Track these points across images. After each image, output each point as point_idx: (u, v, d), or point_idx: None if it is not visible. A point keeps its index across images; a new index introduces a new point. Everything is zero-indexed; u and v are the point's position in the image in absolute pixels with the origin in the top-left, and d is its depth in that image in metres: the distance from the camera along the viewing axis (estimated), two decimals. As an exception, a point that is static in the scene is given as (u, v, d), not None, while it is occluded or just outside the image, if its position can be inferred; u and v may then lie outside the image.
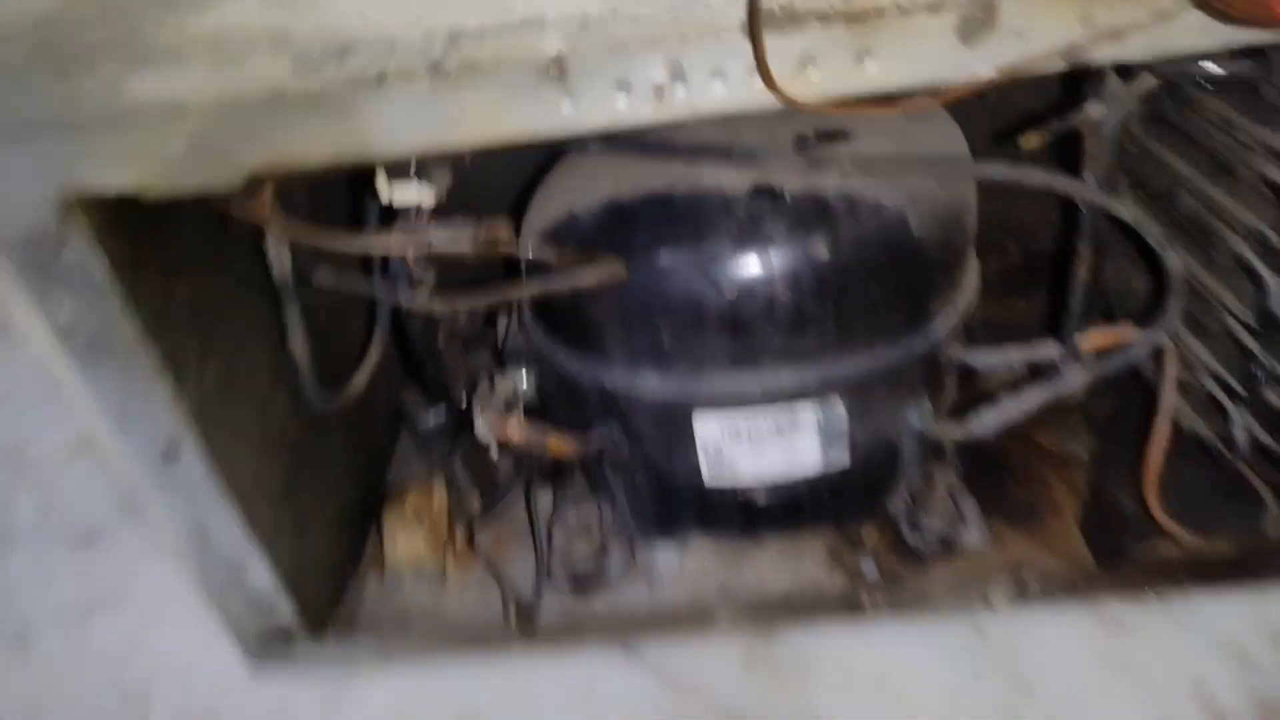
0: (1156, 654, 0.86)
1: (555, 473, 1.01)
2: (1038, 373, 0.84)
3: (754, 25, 0.55)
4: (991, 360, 0.87)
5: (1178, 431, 0.87)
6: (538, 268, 0.82)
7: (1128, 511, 0.88)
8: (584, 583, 0.96)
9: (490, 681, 0.93)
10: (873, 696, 0.88)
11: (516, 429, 0.87)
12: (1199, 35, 0.57)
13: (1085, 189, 0.79)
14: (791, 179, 0.77)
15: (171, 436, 0.78)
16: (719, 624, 0.93)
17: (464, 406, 0.93)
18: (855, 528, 0.97)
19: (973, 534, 0.92)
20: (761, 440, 0.83)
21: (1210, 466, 0.89)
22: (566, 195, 0.85)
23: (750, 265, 0.75)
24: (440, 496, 1.03)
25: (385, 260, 0.85)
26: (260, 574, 0.88)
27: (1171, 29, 0.56)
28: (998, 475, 0.99)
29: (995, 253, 0.99)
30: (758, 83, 0.58)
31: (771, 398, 0.81)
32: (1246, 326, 0.82)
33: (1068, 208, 0.85)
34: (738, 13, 0.56)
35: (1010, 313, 1.08)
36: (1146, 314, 0.79)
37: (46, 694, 1.01)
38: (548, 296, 0.84)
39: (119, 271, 0.70)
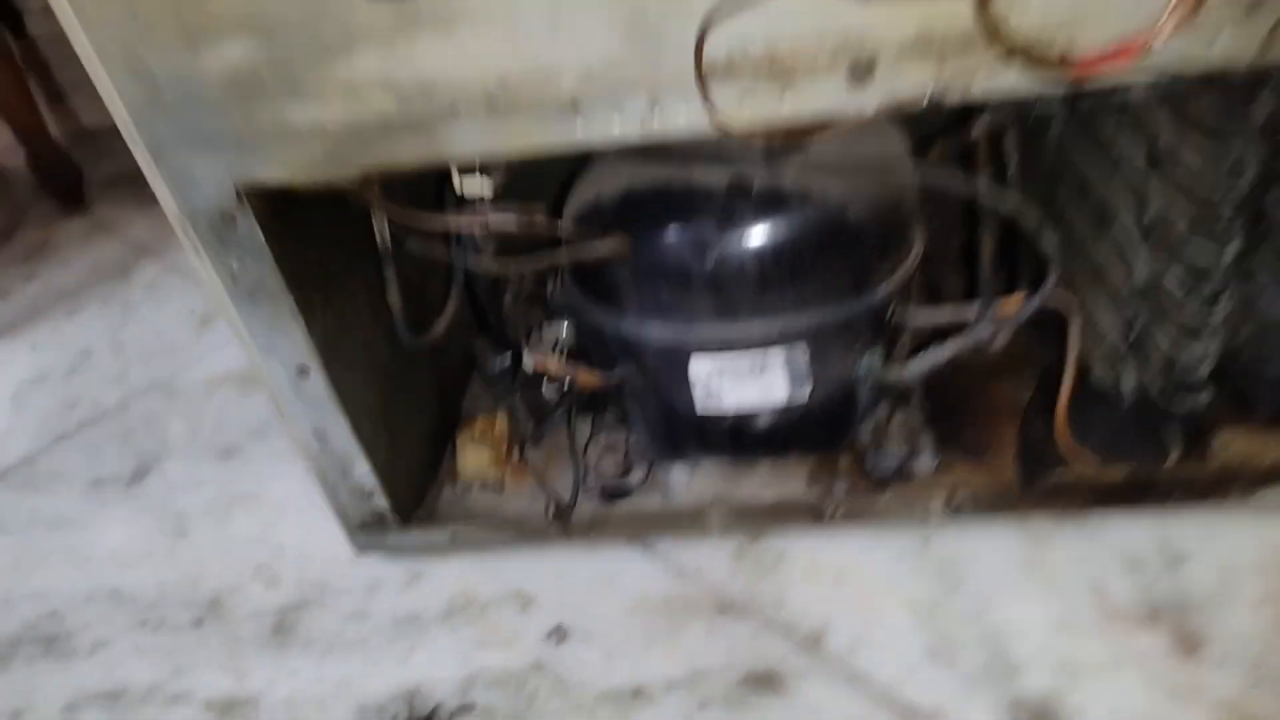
0: (1065, 560, 0.93)
1: (591, 405, 1.06)
2: (961, 328, 0.89)
3: (700, 74, 0.63)
4: (926, 318, 0.91)
5: (1086, 378, 0.92)
6: (572, 241, 0.87)
7: (1048, 445, 0.93)
8: (611, 492, 1.02)
9: (535, 565, 1.02)
10: (832, 584, 0.96)
11: (555, 364, 0.95)
12: (1021, 81, 0.62)
13: (976, 186, 0.84)
14: (759, 178, 0.83)
15: (302, 361, 0.85)
16: (716, 527, 1.00)
17: (521, 353, 0.97)
18: (831, 455, 1.00)
19: (924, 463, 0.97)
20: (741, 377, 0.88)
21: (1114, 409, 0.92)
22: (594, 187, 0.90)
23: (729, 242, 0.81)
24: (501, 423, 1.07)
25: (459, 235, 0.91)
26: (363, 472, 0.95)
27: (999, 78, 0.62)
28: (957, 418, 1.02)
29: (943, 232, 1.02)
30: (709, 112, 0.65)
31: (748, 343, 0.86)
32: (1134, 291, 0.86)
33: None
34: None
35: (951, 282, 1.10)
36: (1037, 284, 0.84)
37: (200, 570, 1.11)
38: (579, 263, 0.88)
39: (272, 240, 0.77)
